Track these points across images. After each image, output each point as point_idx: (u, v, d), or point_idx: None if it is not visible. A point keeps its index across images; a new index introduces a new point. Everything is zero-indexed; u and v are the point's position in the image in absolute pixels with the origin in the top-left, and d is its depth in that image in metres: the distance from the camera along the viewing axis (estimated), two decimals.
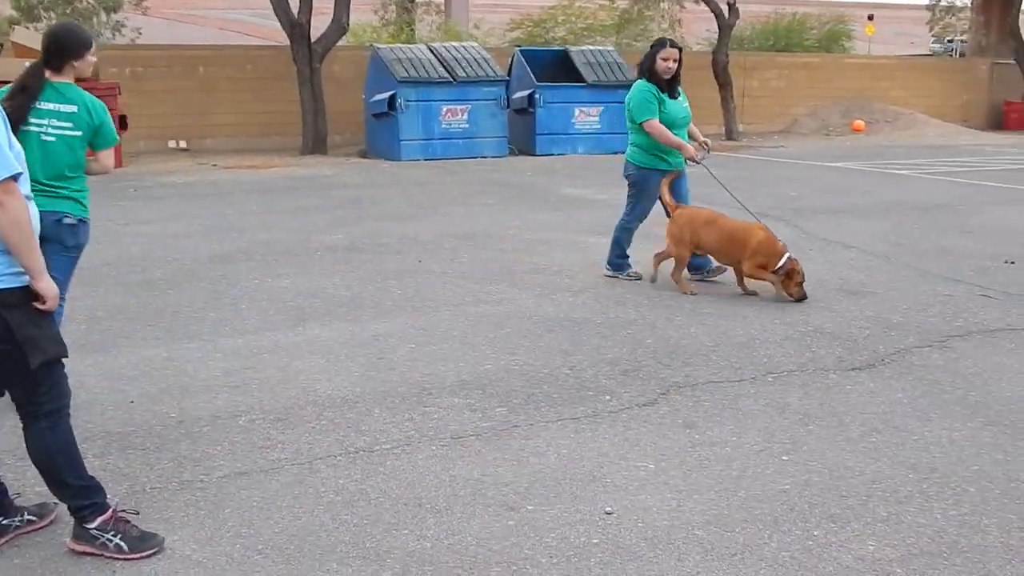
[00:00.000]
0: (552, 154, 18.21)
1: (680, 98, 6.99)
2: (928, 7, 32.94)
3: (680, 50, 6.93)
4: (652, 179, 6.93)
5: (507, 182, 13.84)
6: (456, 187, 13.26)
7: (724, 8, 22.05)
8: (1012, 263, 7.67)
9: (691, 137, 7.07)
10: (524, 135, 18.56)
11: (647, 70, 6.86)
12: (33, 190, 3.90)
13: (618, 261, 7.19)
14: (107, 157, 4.75)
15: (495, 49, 22.25)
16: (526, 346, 5.46)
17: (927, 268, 7.52)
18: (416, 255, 8.09)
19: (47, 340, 3.13)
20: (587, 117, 18.70)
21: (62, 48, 4.51)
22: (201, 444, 4.06)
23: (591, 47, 21.05)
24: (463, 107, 17.63)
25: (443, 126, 17.56)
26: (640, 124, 6.81)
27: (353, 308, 6.33)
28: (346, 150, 19.05)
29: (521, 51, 19.46)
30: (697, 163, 6.90)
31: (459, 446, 4.04)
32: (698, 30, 33.46)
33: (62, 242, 4.53)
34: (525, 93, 18.37)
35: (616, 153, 18.48)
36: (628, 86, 21.80)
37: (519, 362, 5.17)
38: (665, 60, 6.76)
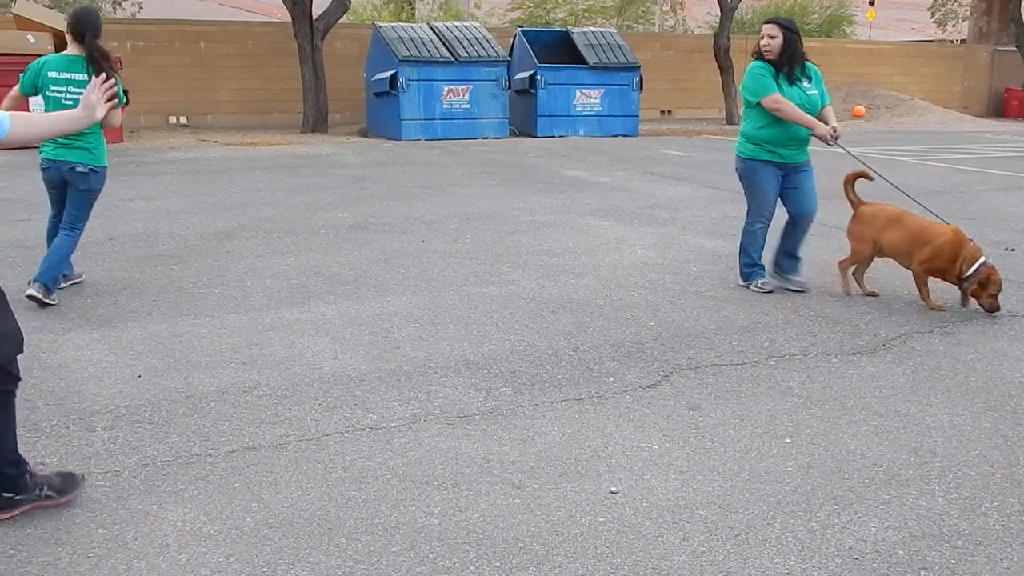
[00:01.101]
0: (553, 136, 18.22)
1: (804, 83, 6.13)
2: None
3: (782, 26, 6.09)
4: (759, 172, 6.22)
5: (509, 163, 13.84)
6: (458, 168, 13.26)
7: None
8: (1012, 250, 7.70)
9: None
10: (525, 116, 18.56)
11: (755, 51, 6.18)
12: (55, 142, 5.73)
13: (745, 270, 6.43)
14: (113, 115, 5.71)
15: (496, 29, 22.21)
16: (530, 327, 5.49)
17: None
18: (420, 235, 8.12)
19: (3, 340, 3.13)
20: (588, 99, 18.69)
21: (81, 27, 5.67)
22: (209, 419, 4.09)
23: (593, 28, 21.03)
24: (464, 87, 17.61)
25: (444, 106, 17.55)
26: (759, 104, 6.05)
27: (357, 287, 6.36)
28: (347, 129, 19.04)
29: (522, 32, 19.43)
30: (830, 145, 6.10)
31: (465, 425, 4.07)
32: (699, 13, 33.38)
33: (77, 186, 5.86)
34: (526, 74, 18.35)
35: (616, 136, 18.62)
36: (629, 68, 21.68)
37: (523, 343, 5.20)
38: (761, 37, 6.11)
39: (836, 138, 6.04)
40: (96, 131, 5.80)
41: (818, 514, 3.32)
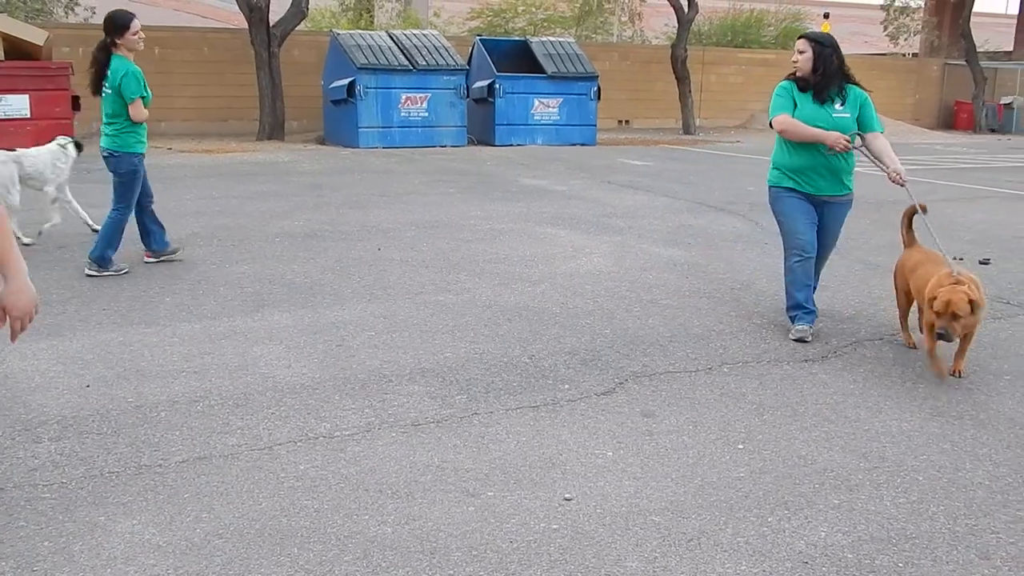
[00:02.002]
0: (511, 144, 18.25)
1: (836, 104, 5.46)
2: (882, 7, 33.41)
3: (811, 40, 5.50)
4: (782, 199, 5.59)
5: (467, 172, 13.84)
6: (416, 176, 13.23)
7: (683, 3, 22.22)
8: (961, 259, 7.83)
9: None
10: (483, 125, 18.58)
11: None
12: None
13: (788, 312, 5.68)
14: (131, 108, 6.55)
15: (455, 38, 22.23)
16: (486, 335, 5.48)
17: (878, 263, 7.66)
18: (376, 243, 8.08)
19: None
20: (546, 108, 18.76)
21: (107, 29, 6.52)
22: (159, 429, 4.04)
23: (551, 38, 21.12)
24: (422, 95, 17.60)
25: (402, 114, 17.52)
26: (771, 125, 5.56)
27: (312, 295, 6.32)
28: (304, 136, 18.93)
29: (481, 41, 19.47)
30: (851, 150, 5.39)
31: (419, 433, 4.06)
32: (657, 24, 33.65)
33: (109, 171, 6.77)
34: (485, 83, 18.39)
35: (574, 145, 18.70)
36: (587, 78, 21.80)
37: (479, 351, 5.19)
38: (793, 53, 5.71)
39: (853, 148, 5.42)
40: (120, 121, 6.58)
41: (769, 519, 3.35)
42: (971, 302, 4.64)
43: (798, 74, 5.54)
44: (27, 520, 3.24)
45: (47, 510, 3.32)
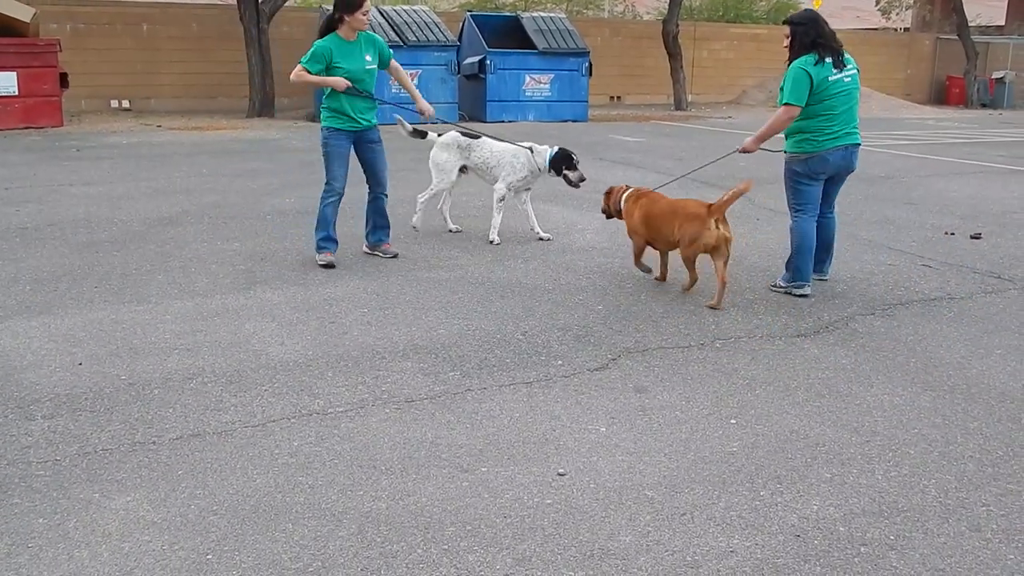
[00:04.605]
0: (502, 121, 18.18)
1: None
2: None
3: (788, 22, 5.86)
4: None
5: None
6: (407, 152, 13.13)
7: None
8: (952, 234, 7.86)
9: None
10: (474, 101, 18.50)
11: None
12: None
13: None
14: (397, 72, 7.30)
15: (445, 14, 22.10)
16: (479, 311, 5.48)
17: (871, 238, 7.68)
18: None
19: None
20: (538, 84, 18.69)
21: (337, 5, 6.34)
22: (152, 406, 4.04)
23: (542, 14, 21.01)
24: (413, 72, 17.45)
25: (393, 91, 17.36)
26: None
27: (304, 272, 6.30)
28: (294, 113, 18.82)
29: (472, 16, 19.34)
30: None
31: (413, 409, 4.06)
32: (649, 0, 33.48)
33: None
34: (476, 59, 18.29)
35: (566, 121, 18.63)
36: (579, 54, 21.67)
37: (472, 327, 5.19)
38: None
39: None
40: (321, 95, 6.60)
41: (762, 493, 3.36)
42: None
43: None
44: (21, 497, 3.24)
45: (41, 487, 3.32)
